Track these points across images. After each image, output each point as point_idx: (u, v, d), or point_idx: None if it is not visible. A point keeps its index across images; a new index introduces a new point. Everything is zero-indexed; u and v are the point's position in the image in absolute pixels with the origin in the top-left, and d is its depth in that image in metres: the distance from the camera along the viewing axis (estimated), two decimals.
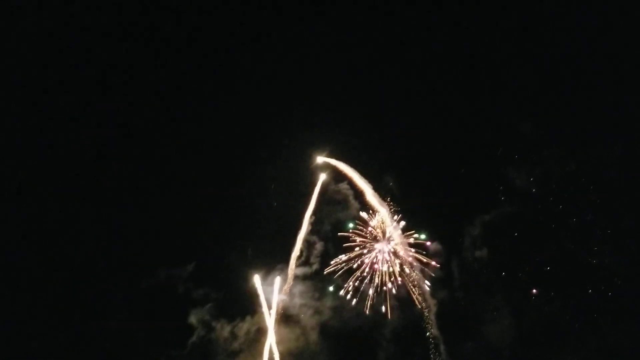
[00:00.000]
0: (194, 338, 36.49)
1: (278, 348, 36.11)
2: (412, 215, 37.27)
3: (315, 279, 37.05)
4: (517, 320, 36.13)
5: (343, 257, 36.69)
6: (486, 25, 38.82)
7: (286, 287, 36.81)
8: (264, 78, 38.70)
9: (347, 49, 38.71)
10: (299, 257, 36.72)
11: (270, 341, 36.09)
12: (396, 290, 36.39)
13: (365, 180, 36.95)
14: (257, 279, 36.39)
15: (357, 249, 36.78)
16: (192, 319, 36.59)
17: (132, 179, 36.91)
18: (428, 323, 36.25)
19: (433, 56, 38.89)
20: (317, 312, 36.85)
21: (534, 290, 36.40)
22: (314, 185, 37.14)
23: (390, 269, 36.52)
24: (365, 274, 36.57)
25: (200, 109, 38.62)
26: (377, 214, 36.85)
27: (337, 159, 37.34)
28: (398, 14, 39.28)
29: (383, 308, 36.32)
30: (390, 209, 36.89)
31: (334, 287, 36.81)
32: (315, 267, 36.97)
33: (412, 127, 38.13)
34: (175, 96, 38.67)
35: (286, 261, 36.86)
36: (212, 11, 38.74)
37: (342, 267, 36.54)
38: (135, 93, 38.10)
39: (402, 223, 36.86)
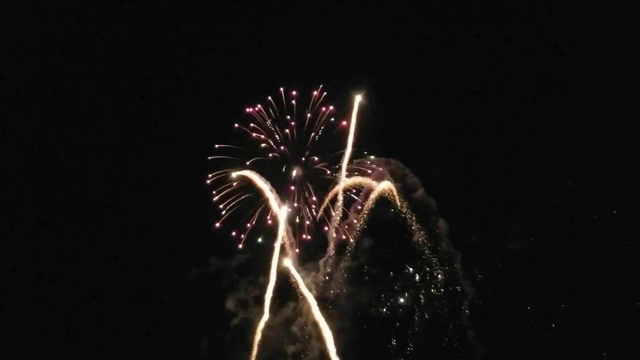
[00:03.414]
0: (236, 321, 37.41)
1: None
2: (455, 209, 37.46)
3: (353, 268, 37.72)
4: (548, 313, 36.77)
5: None
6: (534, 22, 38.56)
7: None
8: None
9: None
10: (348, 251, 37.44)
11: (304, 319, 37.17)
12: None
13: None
14: (289, 264, 36.85)
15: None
16: (236, 305, 37.46)
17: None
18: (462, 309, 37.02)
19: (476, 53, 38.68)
20: (351, 297, 37.61)
21: None
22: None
23: None
24: None
25: None
26: None
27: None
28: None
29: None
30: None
31: None
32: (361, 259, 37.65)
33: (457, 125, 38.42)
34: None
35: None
36: None
37: None
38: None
39: None
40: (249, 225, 36.56)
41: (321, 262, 37.77)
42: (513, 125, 38.35)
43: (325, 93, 36.95)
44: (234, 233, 36.60)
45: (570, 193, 37.62)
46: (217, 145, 36.86)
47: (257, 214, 36.64)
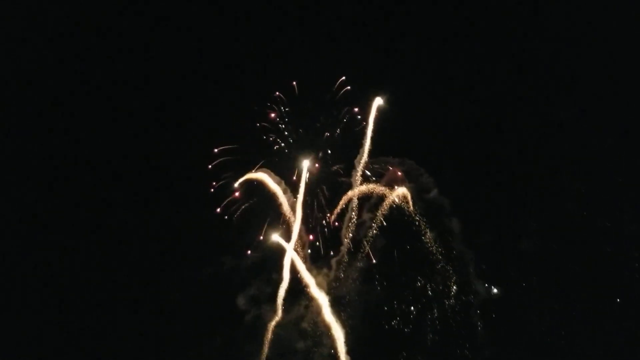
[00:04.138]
0: (248, 318, 37.54)
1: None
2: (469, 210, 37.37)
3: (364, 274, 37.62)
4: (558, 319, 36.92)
5: None
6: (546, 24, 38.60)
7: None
8: None
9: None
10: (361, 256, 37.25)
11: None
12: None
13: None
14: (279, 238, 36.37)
15: None
16: (248, 302, 37.55)
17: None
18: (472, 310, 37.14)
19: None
20: (362, 302, 37.63)
21: None
22: None
23: None
24: None
25: None
26: None
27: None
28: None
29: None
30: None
31: None
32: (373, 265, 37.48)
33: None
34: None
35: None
36: None
37: None
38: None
39: None
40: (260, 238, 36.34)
41: (334, 261, 37.65)
42: (527, 126, 38.33)
43: (348, 87, 36.11)
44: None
45: (583, 197, 37.56)
46: (215, 150, 36.19)
47: (265, 227, 36.36)
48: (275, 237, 35.90)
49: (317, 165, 36.61)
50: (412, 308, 36.42)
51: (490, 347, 36.26)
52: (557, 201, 37.75)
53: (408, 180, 37.15)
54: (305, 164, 36.06)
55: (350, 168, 36.93)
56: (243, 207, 36.17)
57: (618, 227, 36.98)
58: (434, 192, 37.07)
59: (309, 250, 37.22)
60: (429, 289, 36.55)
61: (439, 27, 38.86)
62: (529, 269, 37.17)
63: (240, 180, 36.02)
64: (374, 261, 36.73)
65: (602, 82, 38.02)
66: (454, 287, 36.47)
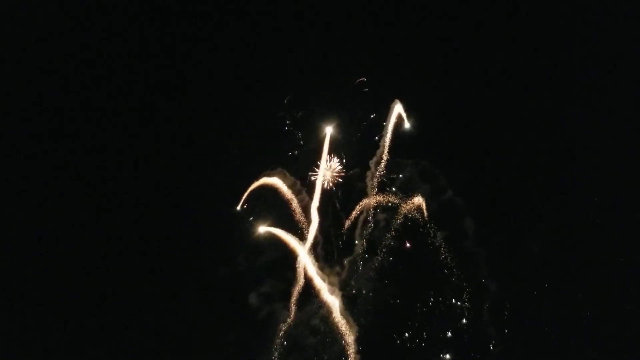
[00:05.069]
0: (259, 318, 37.60)
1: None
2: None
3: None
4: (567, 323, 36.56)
5: None
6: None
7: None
8: None
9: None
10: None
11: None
12: None
13: None
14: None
15: None
16: (260, 302, 37.62)
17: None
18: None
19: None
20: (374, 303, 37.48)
21: None
22: None
23: None
24: None
25: None
26: None
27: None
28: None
29: None
30: None
31: None
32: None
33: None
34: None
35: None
36: None
37: None
38: None
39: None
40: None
41: (347, 262, 37.66)
42: (541, 128, 38.01)
43: (365, 90, 35.76)
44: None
45: (595, 200, 37.14)
46: (228, 155, 36.72)
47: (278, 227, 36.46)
48: (263, 229, 36.19)
49: (332, 174, 36.53)
50: (424, 322, 36.32)
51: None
52: (567, 203, 37.30)
53: (423, 181, 36.95)
54: (329, 130, 35.83)
55: (366, 170, 36.93)
56: (257, 208, 36.21)
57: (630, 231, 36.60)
58: (448, 194, 36.82)
59: (323, 251, 37.29)
60: (441, 302, 36.48)
61: (453, 28, 38.61)
62: (543, 273, 36.89)
63: (255, 184, 36.10)
64: (388, 270, 36.76)
65: (619, 82, 37.54)
66: (467, 299, 36.43)
